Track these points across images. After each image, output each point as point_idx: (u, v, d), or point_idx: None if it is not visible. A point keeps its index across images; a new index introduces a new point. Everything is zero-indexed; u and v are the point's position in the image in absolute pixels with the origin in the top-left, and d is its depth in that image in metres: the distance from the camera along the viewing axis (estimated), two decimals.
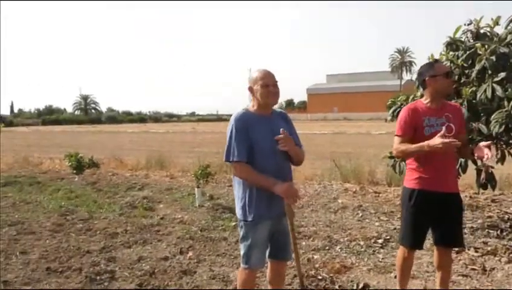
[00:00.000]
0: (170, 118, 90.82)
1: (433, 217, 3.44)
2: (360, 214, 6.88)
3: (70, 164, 10.28)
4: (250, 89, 3.20)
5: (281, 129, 3.06)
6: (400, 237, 3.67)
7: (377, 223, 6.35)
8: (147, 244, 5.56)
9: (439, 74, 3.39)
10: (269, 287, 3.49)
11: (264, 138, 3.08)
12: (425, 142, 3.19)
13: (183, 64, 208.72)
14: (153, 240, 5.70)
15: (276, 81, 3.19)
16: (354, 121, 66.11)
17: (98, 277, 4.47)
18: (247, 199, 3.10)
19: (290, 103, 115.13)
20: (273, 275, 3.39)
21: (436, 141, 3.11)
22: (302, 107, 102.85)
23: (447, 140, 3.08)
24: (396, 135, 3.47)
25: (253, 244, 3.13)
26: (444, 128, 3.21)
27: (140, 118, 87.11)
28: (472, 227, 5.99)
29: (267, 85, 3.14)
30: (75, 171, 10.32)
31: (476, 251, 5.07)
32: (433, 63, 3.50)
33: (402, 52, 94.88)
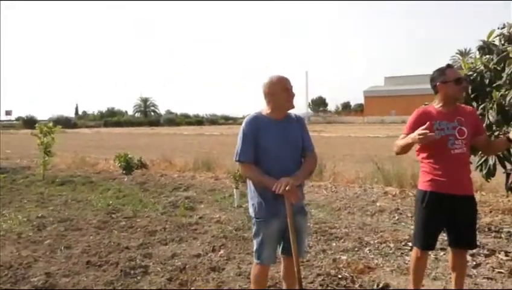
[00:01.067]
0: (226, 120, 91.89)
1: (446, 219, 3.51)
2: (396, 217, 6.91)
3: (119, 164, 10.79)
4: (267, 93, 3.34)
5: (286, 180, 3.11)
6: (413, 238, 3.76)
7: (412, 227, 6.34)
8: (182, 242, 5.84)
9: (449, 80, 3.48)
10: (283, 283, 3.65)
11: (271, 142, 3.25)
12: (409, 135, 3.34)
13: (183, 65, 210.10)
14: (188, 238, 5.98)
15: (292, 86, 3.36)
16: None
17: (132, 271, 4.77)
18: (257, 198, 3.30)
19: (346, 106, 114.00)
20: (286, 271, 3.54)
21: (415, 133, 3.27)
22: (359, 110, 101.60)
23: (421, 131, 3.24)
24: (402, 133, 3.58)
25: (263, 240, 3.32)
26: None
27: (198, 121, 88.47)
28: (509, 232, 5.91)
29: (287, 88, 3.31)
30: (124, 172, 10.82)
31: (507, 255, 5.03)
32: (444, 69, 3.57)
33: (464, 53, 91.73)
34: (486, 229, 6.02)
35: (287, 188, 3.06)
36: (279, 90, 3.29)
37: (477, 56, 5.42)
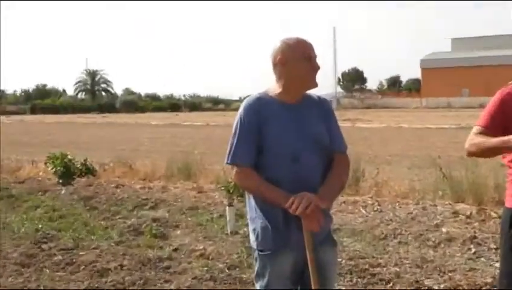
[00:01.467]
0: (214, 104, 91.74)
1: None
2: (473, 250, 6.87)
3: (54, 170, 10.73)
4: (279, 62, 3.21)
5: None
6: (498, 282, 3.71)
7: (496, 264, 6.31)
8: (148, 286, 5.82)
9: None
10: None
11: (281, 136, 3.16)
12: (501, 138, 3.23)
13: (183, 65, 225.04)
14: (157, 281, 5.95)
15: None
16: None
17: None
18: (261, 220, 3.22)
19: (394, 82, 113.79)
20: None
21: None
22: (413, 88, 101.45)
23: None
24: (477, 125, 3.51)
25: (271, 283, 3.24)
26: None
27: (172, 105, 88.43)
28: None
29: (310, 57, 3.21)
30: (61, 181, 10.77)
31: None
32: None
33: None
34: None
35: (307, 209, 2.99)
36: (298, 59, 3.17)
37: None
